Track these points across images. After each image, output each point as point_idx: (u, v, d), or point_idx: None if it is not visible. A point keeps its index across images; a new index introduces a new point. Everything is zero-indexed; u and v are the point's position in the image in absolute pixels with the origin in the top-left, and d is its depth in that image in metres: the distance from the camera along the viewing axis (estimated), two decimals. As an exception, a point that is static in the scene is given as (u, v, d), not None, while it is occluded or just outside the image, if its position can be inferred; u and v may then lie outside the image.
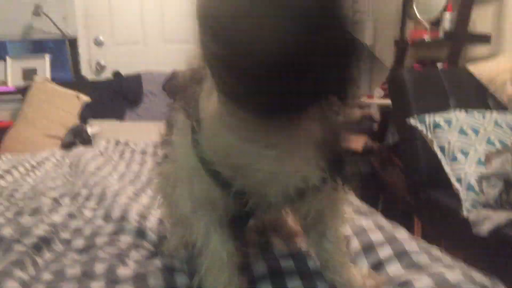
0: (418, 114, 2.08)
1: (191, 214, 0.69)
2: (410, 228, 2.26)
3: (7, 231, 0.97)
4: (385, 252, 0.81)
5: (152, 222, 1.04)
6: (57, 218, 1.04)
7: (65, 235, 0.97)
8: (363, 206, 1.11)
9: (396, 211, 2.46)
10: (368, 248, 0.84)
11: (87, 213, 1.14)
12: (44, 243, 0.90)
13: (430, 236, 2.26)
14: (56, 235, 0.95)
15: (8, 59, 3.30)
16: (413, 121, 2.00)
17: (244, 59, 0.47)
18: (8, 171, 1.53)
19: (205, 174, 0.64)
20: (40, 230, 0.94)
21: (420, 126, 1.99)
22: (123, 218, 1.04)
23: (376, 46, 3.10)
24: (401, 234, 0.88)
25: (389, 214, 1.35)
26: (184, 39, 3.42)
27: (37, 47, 3.99)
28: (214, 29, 0.49)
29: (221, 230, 0.69)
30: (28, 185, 1.43)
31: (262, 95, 0.49)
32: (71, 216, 1.08)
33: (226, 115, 0.57)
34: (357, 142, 2.79)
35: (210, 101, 0.61)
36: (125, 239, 0.92)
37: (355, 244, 0.86)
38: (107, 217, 1.07)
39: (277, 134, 0.58)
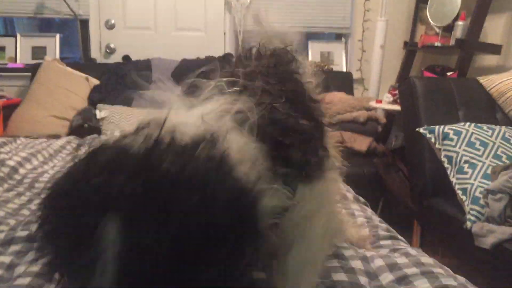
0: (427, 123, 2.12)
1: None
2: (409, 233, 2.32)
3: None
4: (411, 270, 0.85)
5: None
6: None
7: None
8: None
9: (396, 214, 2.51)
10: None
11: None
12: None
13: (428, 242, 2.31)
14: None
15: (18, 36, 3.29)
16: (422, 130, 2.03)
17: None
18: (26, 159, 1.55)
19: None
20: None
21: (429, 135, 2.02)
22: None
23: (386, 47, 3.12)
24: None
25: (388, 216, 1.40)
26: (195, 27, 3.42)
27: (45, 25, 3.97)
28: None
29: None
30: (47, 174, 1.46)
31: None
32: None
33: None
34: (362, 143, 2.83)
35: None
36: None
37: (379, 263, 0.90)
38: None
39: None
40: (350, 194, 1.38)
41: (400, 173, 2.58)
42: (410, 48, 3.32)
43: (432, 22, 2.99)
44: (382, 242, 1.04)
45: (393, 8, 3.25)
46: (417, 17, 3.34)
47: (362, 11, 3.42)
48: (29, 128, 2.69)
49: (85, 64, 3.28)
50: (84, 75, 2.96)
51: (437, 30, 2.99)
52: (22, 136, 2.44)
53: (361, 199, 1.38)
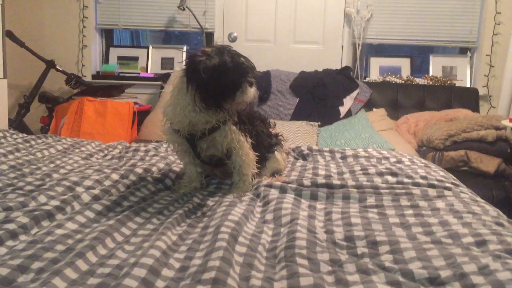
0: None
1: (181, 157, 1.58)
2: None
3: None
4: None
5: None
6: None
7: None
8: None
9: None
10: None
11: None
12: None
13: None
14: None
15: (150, 47, 3.55)
16: None
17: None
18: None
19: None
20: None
21: None
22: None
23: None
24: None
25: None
26: (313, 40, 3.47)
27: (166, 37, 4.28)
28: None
29: (194, 164, 1.54)
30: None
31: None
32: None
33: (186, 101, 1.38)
34: (490, 164, 2.67)
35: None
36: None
37: None
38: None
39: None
40: (504, 219, 1.30)
41: (536, 198, 2.39)
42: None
43: None
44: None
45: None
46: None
47: (492, 24, 3.24)
48: (159, 133, 2.88)
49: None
50: (210, 85, 3.11)
51: None
52: (154, 140, 2.64)
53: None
